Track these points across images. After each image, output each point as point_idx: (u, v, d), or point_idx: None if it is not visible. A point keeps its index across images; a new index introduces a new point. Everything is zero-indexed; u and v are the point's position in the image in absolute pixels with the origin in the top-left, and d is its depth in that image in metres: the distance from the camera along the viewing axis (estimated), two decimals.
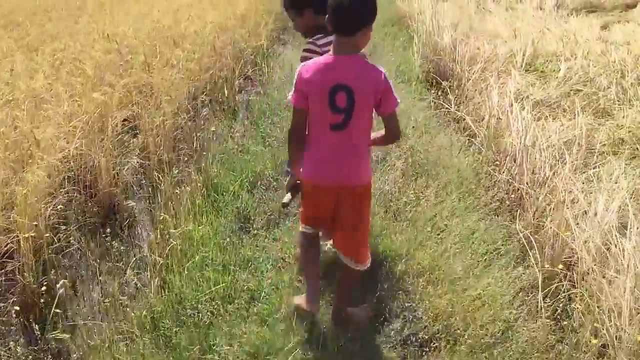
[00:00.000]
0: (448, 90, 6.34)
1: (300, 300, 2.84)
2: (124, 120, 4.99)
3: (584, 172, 4.17)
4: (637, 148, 4.79)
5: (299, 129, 2.60)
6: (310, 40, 2.97)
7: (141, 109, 4.85)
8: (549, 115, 5.40)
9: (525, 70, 6.69)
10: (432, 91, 6.47)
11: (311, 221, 2.75)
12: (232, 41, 7.01)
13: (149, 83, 5.17)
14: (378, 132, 2.64)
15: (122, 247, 3.45)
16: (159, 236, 3.24)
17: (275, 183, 4.12)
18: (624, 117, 5.53)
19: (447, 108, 5.85)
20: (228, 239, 3.40)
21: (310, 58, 2.66)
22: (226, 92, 5.90)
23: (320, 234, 2.91)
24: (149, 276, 3.06)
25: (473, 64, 6.63)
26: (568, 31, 9.56)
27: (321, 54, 2.73)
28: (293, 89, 2.54)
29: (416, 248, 3.32)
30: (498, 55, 7.07)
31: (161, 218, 3.49)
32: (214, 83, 6.17)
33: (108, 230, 3.46)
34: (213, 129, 5.11)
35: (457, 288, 3.00)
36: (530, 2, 11.42)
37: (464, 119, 5.42)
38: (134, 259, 3.27)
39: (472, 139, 5.02)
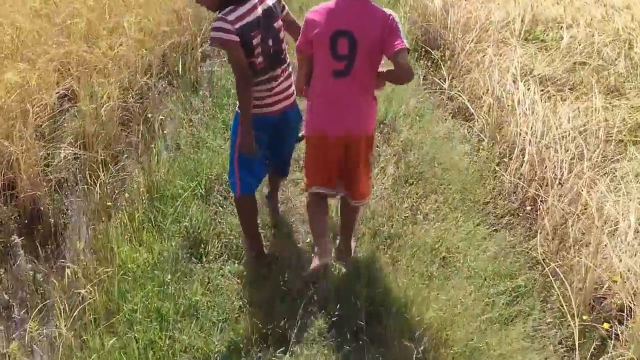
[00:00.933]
0: (440, 62, 5.57)
1: (313, 264, 2.63)
2: (64, 96, 4.17)
3: (604, 170, 3.51)
4: None
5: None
6: (220, 15, 2.45)
7: (80, 87, 4.02)
8: (557, 94, 4.70)
9: (525, 40, 5.93)
10: (422, 62, 5.69)
11: (319, 180, 2.65)
12: None
13: (90, 54, 4.31)
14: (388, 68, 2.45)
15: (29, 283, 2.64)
16: (78, 275, 2.46)
17: None
18: (637, 95, 4.87)
19: (440, 86, 5.10)
20: (170, 276, 2.57)
21: (225, 41, 2.40)
22: (186, 63, 5.06)
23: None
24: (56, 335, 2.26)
25: (467, 32, 5.85)
26: None
27: (236, 33, 2.40)
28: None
29: (420, 302, 2.49)
30: (494, 22, 6.30)
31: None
32: (172, 52, 5.31)
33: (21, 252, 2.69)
34: (164, 114, 4.27)
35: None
36: None
37: (461, 99, 4.69)
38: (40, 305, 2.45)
39: (471, 125, 4.30)
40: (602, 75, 5.02)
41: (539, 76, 4.86)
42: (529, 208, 3.22)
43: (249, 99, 2.50)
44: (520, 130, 3.72)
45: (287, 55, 2.69)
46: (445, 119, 4.41)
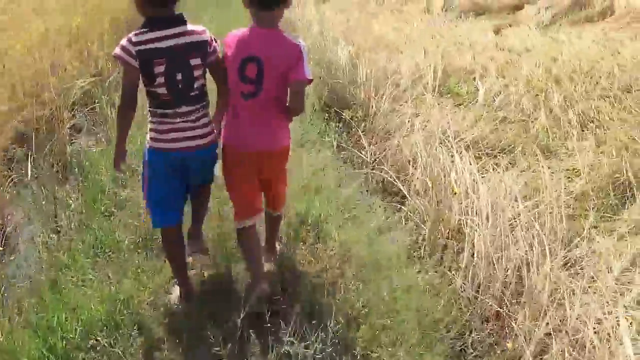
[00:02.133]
0: (353, 124, 4.94)
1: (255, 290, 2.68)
2: None
3: (572, 266, 2.94)
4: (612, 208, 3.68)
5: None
6: (130, 34, 2.39)
7: None
8: (489, 159, 4.19)
9: (440, 94, 5.46)
10: (333, 125, 5.02)
11: (246, 212, 2.73)
12: (60, 65, 5.07)
13: None
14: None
15: None
16: None
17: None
18: (568, 154, 4.46)
19: (358, 155, 4.44)
20: None
21: (120, 59, 2.37)
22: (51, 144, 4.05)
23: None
24: None
25: (379, 88, 5.29)
26: (462, 37, 8.66)
27: (135, 56, 2.35)
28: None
29: None
30: (403, 73, 5.81)
31: None
32: (32, 128, 4.28)
33: None
34: (15, 223, 3.22)
35: None
36: (416, 4, 10.40)
37: (387, 175, 4.03)
38: None
39: (404, 208, 3.63)
40: (529, 135, 4.58)
41: (467, 140, 4.33)
42: (496, 327, 2.55)
43: (122, 122, 2.47)
44: (466, 219, 3.09)
45: (203, 97, 2.56)
46: (375, 207, 3.69)
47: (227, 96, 2.59)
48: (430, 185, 3.39)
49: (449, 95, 5.50)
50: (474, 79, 5.91)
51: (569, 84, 5.92)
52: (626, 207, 3.76)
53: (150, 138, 2.52)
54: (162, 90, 2.41)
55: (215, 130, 2.63)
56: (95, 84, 5.12)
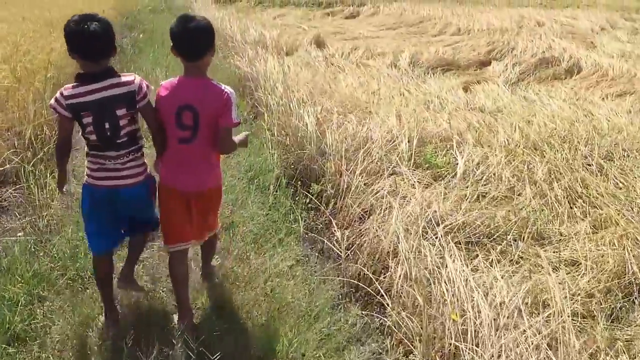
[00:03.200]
0: (322, 204, 4.38)
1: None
2: None
3: None
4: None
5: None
6: (64, 87, 2.62)
7: None
8: (478, 248, 3.67)
9: (415, 166, 4.97)
10: (300, 200, 4.43)
11: (178, 238, 2.93)
12: None
13: None
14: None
15: None
16: None
17: None
18: (561, 240, 3.99)
19: (328, 246, 3.87)
20: None
21: (54, 110, 2.61)
22: None
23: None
24: None
25: (350, 157, 4.77)
26: (432, 94, 8.32)
27: (65, 107, 2.58)
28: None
29: None
30: (375, 140, 5.32)
31: None
32: None
33: None
34: None
35: None
36: (382, 58, 10.07)
37: (363, 269, 3.46)
38: None
39: (383, 316, 3.05)
40: (518, 216, 4.09)
41: (452, 225, 3.81)
42: None
43: (60, 163, 2.80)
44: (464, 345, 2.52)
45: (133, 143, 2.73)
46: (351, 319, 3.10)
47: (160, 139, 2.78)
48: (420, 300, 2.82)
49: (426, 166, 5.01)
50: (451, 146, 5.46)
51: (549, 152, 5.55)
52: (635, 311, 3.29)
53: (86, 174, 2.76)
54: (92, 137, 2.64)
55: (147, 171, 2.82)
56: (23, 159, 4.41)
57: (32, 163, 4.23)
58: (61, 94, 2.57)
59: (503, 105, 7.92)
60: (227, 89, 2.72)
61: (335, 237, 3.90)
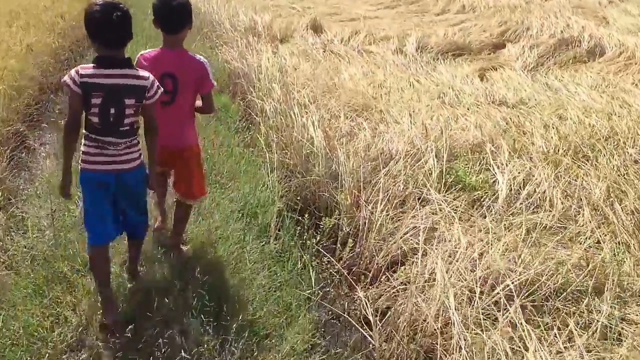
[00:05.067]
0: (336, 239, 3.44)
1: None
2: None
3: None
4: None
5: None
6: (82, 65, 2.67)
7: None
8: (551, 321, 2.75)
9: (446, 188, 4.02)
10: (309, 242, 3.49)
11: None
12: None
13: None
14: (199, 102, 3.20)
15: None
16: None
17: None
18: None
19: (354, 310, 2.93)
20: None
21: (67, 85, 2.60)
22: None
23: None
24: None
25: (367, 183, 3.82)
26: (445, 85, 7.34)
27: (78, 85, 2.59)
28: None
29: None
30: (393, 154, 4.37)
31: None
32: None
33: None
34: None
35: None
36: (386, 44, 9.04)
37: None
38: None
39: None
40: (593, 266, 3.14)
41: (512, 286, 2.87)
42: None
43: (67, 143, 2.70)
44: None
45: (132, 134, 2.76)
46: None
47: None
48: None
49: (458, 188, 4.07)
50: (484, 157, 4.52)
51: (595, 156, 4.65)
52: None
53: (82, 160, 2.73)
54: (95, 120, 2.66)
55: (142, 157, 2.82)
56: None
57: None
58: (76, 71, 2.58)
59: (526, 96, 6.96)
60: (201, 58, 3.09)
61: (359, 299, 2.98)
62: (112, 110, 2.63)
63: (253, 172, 4.02)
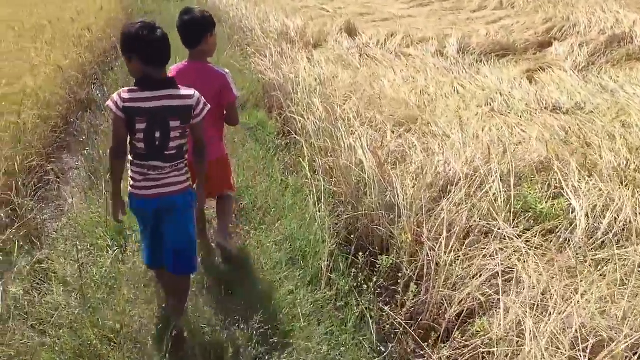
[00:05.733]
0: (399, 289, 3.02)
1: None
2: None
3: None
4: None
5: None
6: (123, 89, 2.56)
7: None
8: None
9: (515, 217, 3.55)
10: (365, 286, 3.07)
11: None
12: None
13: None
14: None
15: None
16: None
17: None
18: None
19: None
20: None
21: (110, 110, 2.53)
22: None
23: None
24: None
25: (430, 217, 3.39)
26: (491, 89, 6.84)
27: (122, 110, 2.50)
28: None
29: None
30: (450, 176, 3.92)
31: None
32: None
33: None
34: None
35: None
36: (425, 46, 8.55)
37: None
38: None
39: None
40: None
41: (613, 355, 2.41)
42: None
43: (114, 169, 2.64)
44: None
45: (180, 157, 2.65)
46: None
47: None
48: None
49: (528, 215, 3.61)
50: (552, 178, 4.04)
51: None
52: None
53: (129, 185, 2.66)
54: (140, 145, 2.56)
55: (189, 182, 2.71)
56: None
57: None
58: (119, 95, 2.52)
59: (582, 99, 6.43)
60: (223, 70, 3.15)
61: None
62: (157, 134, 2.54)
63: (299, 204, 3.61)
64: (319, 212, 3.46)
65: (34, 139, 4.36)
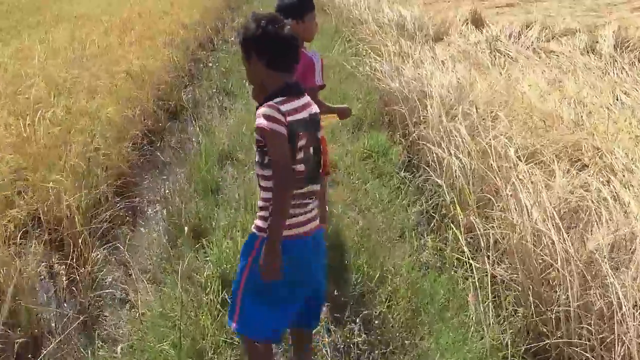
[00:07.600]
0: None
1: None
2: None
3: None
4: None
5: None
6: (270, 103, 1.98)
7: None
8: None
9: None
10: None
11: None
12: None
13: None
14: None
15: None
16: None
17: None
18: None
19: None
20: None
21: (274, 132, 1.94)
22: None
23: None
24: None
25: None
26: None
27: (286, 126, 1.97)
28: None
29: None
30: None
31: None
32: None
33: None
34: None
35: None
36: (570, 40, 7.00)
37: None
38: None
39: None
40: None
41: None
42: None
43: (288, 205, 1.97)
44: None
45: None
46: None
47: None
48: None
49: None
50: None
51: None
52: None
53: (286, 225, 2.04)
54: (300, 167, 2.05)
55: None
56: None
57: None
58: (276, 109, 1.94)
59: None
60: (310, 52, 2.89)
61: None
62: (311, 150, 2.11)
63: (453, 304, 2.43)
64: (488, 315, 2.28)
65: (110, 164, 3.52)
